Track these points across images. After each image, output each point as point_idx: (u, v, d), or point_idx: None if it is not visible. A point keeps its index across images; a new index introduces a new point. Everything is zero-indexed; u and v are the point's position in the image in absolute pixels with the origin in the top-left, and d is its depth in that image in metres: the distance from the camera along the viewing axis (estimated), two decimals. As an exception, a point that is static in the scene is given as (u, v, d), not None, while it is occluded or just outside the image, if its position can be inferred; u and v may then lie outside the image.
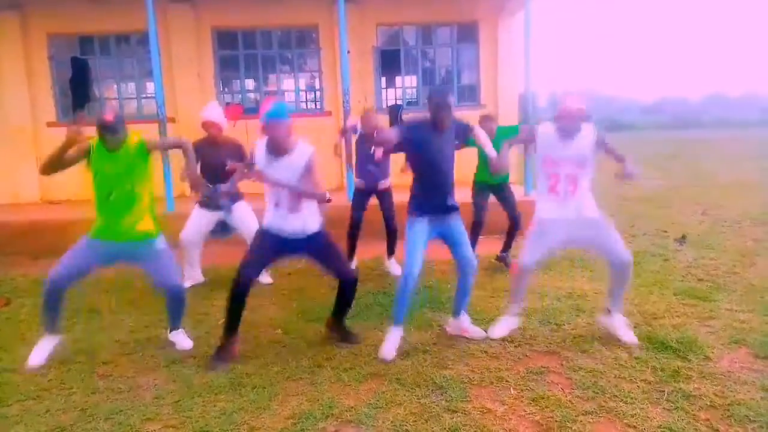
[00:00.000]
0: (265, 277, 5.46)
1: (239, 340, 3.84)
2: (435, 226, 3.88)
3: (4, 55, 8.76)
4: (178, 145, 4.01)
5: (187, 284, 5.47)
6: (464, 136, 4.00)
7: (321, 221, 3.95)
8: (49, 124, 8.87)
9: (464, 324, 4.08)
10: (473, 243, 5.92)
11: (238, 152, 5.38)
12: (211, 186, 5.03)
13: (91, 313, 4.76)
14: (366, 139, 5.67)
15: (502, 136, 5.90)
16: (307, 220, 3.85)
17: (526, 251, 4.00)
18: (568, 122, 3.81)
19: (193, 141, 5.37)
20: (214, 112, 5.40)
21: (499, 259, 5.99)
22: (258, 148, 3.83)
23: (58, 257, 3.84)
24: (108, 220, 3.74)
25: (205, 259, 5.77)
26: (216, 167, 5.25)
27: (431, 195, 3.86)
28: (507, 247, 6.01)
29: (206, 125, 5.29)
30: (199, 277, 5.60)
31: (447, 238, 3.96)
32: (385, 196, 5.83)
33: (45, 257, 6.51)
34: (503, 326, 4.09)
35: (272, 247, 3.82)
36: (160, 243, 3.87)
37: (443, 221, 3.88)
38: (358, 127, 5.78)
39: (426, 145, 3.77)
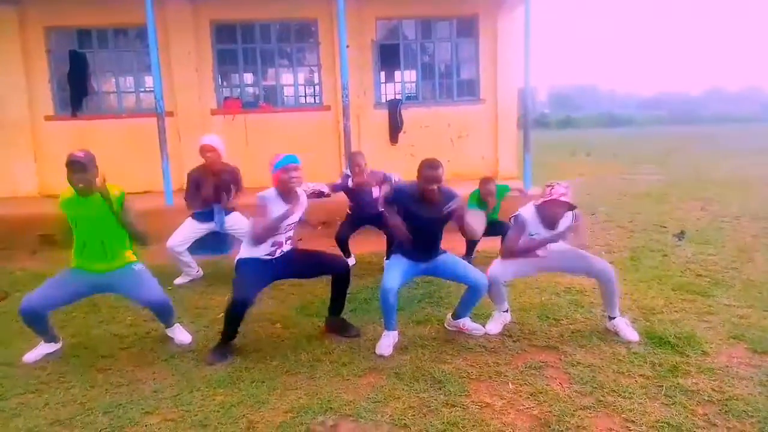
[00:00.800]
0: None
1: (235, 341, 3.85)
2: (419, 267, 3.96)
3: (2, 48, 8.71)
4: (141, 236, 3.76)
5: (185, 280, 5.48)
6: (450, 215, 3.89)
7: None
8: (47, 118, 8.82)
9: (464, 322, 4.07)
10: (470, 251, 5.90)
11: (236, 177, 5.47)
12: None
13: (90, 307, 4.76)
14: (355, 187, 5.72)
15: (500, 195, 5.88)
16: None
17: (498, 267, 4.00)
18: (553, 210, 3.80)
19: (189, 171, 5.43)
20: (213, 137, 5.46)
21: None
22: (271, 200, 3.78)
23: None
24: (85, 263, 3.74)
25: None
26: (213, 192, 5.32)
27: (413, 250, 3.88)
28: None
29: (204, 149, 5.28)
30: (197, 273, 5.60)
31: (441, 275, 4.04)
32: (380, 218, 5.77)
33: (43, 251, 6.52)
34: (497, 322, 4.11)
35: (261, 270, 3.80)
36: (138, 266, 3.86)
37: (427, 263, 3.95)
38: (347, 171, 5.81)
39: (411, 216, 3.79)
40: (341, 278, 4.03)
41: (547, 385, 3.28)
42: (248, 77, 10.31)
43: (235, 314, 3.65)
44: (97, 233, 3.67)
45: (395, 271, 3.84)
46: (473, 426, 2.87)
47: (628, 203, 9.47)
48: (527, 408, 3.04)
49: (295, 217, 3.87)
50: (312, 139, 9.31)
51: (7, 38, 8.69)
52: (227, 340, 3.78)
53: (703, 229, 7.34)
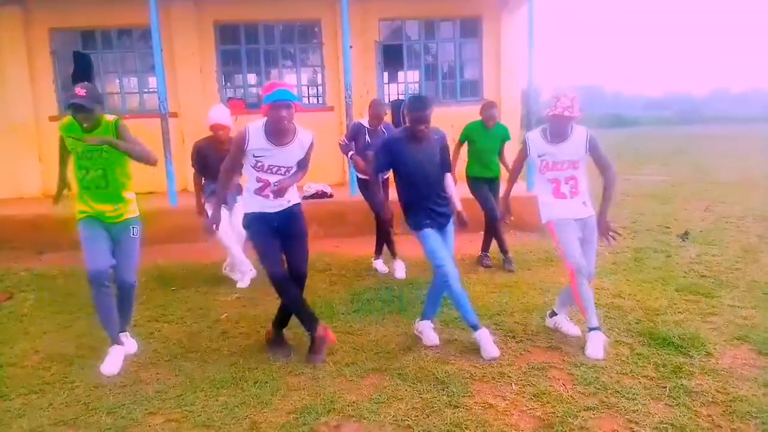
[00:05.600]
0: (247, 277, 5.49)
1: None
2: (436, 227, 3.85)
3: (7, 49, 8.75)
4: (144, 157, 3.67)
5: (246, 283, 5.40)
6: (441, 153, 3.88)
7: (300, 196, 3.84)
8: (51, 119, 8.86)
9: (425, 328, 3.97)
10: (499, 236, 5.89)
11: None
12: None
13: (94, 308, 4.76)
14: (371, 131, 5.62)
15: (500, 133, 5.86)
16: (291, 193, 3.73)
17: (569, 252, 3.76)
18: (559, 125, 3.72)
19: (196, 141, 5.39)
20: (222, 114, 5.36)
21: (479, 260, 5.97)
22: (254, 133, 3.50)
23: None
24: (87, 203, 3.70)
25: (208, 256, 5.76)
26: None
27: (421, 204, 3.79)
28: (486, 247, 6.00)
29: (215, 128, 5.23)
30: (249, 270, 5.47)
31: None
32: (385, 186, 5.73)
33: (47, 252, 6.54)
34: (598, 344, 3.67)
35: (269, 229, 3.65)
36: (136, 231, 3.80)
37: (440, 223, 3.85)
38: (364, 122, 5.73)
39: (407, 159, 3.71)
40: (296, 281, 3.73)
41: (550, 386, 3.27)
42: (252, 78, 10.32)
43: (285, 291, 3.64)
44: (100, 163, 3.62)
45: (439, 248, 3.72)
46: (476, 427, 2.87)
47: (631, 204, 9.44)
48: (530, 409, 3.04)
49: (283, 161, 3.59)
50: (315, 139, 9.31)
51: (12, 39, 8.73)
52: (286, 320, 3.79)
53: (707, 229, 7.32)
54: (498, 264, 5.88)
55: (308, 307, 3.76)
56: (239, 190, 5.14)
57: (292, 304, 3.71)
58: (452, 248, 3.90)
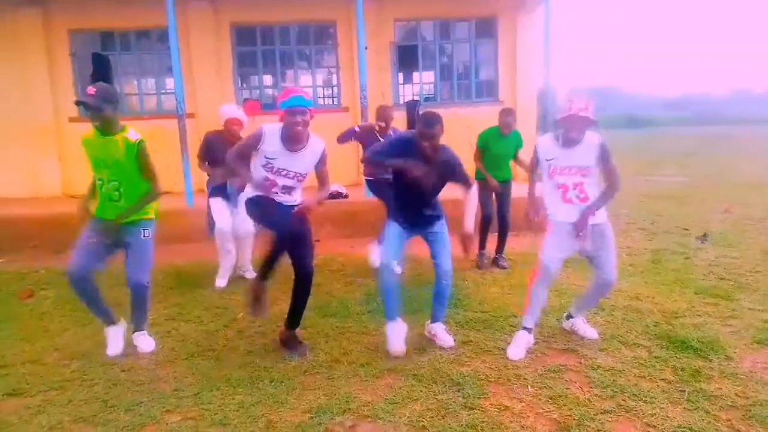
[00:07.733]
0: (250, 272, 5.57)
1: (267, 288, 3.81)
2: (413, 231, 3.87)
3: (27, 51, 8.89)
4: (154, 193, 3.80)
5: (222, 283, 5.40)
6: (451, 176, 3.79)
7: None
8: (71, 120, 8.98)
9: (437, 330, 3.95)
10: (483, 239, 5.90)
11: None
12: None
13: (113, 306, 4.82)
14: (381, 135, 5.63)
15: (515, 140, 5.84)
16: (297, 193, 3.81)
17: (546, 251, 3.76)
18: (571, 130, 3.59)
19: (207, 132, 5.40)
20: (236, 109, 5.41)
21: (493, 262, 5.95)
22: (269, 134, 3.56)
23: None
24: (102, 208, 3.77)
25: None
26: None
27: (407, 210, 3.80)
28: (500, 249, 5.98)
29: (231, 122, 5.26)
30: (235, 262, 5.52)
31: (426, 241, 3.91)
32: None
33: (67, 251, 6.61)
34: (520, 345, 3.76)
35: (273, 202, 3.66)
36: (148, 231, 3.81)
37: (422, 228, 3.86)
38: (375, 125, 5.75)
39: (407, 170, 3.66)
40: (301, 281, 3.73)
41: (567, 388, 3.25)
42: (267, 79, 10.38)
43: (281, 247, 3.61)
44: (110, 181, 3.68)
45: (393, 244, 3.78)
46: (492, 429, 2.86)
47: (649, 205, 9.35)
48: (547, 411, 3.02)
49: (294, 165, 3.63)
50: (330, 140, 9.29)
51: (32, 41, 8.87)
52: (264, 278, 3.73)
53: (726, 231, 7.22)
54: (513, 266, 5.85)
55: (274, 265, 3.71)
56: (242, 187, 5.14)
57: (275, 255, 3.65)
58: (449, 250, 3.87)
